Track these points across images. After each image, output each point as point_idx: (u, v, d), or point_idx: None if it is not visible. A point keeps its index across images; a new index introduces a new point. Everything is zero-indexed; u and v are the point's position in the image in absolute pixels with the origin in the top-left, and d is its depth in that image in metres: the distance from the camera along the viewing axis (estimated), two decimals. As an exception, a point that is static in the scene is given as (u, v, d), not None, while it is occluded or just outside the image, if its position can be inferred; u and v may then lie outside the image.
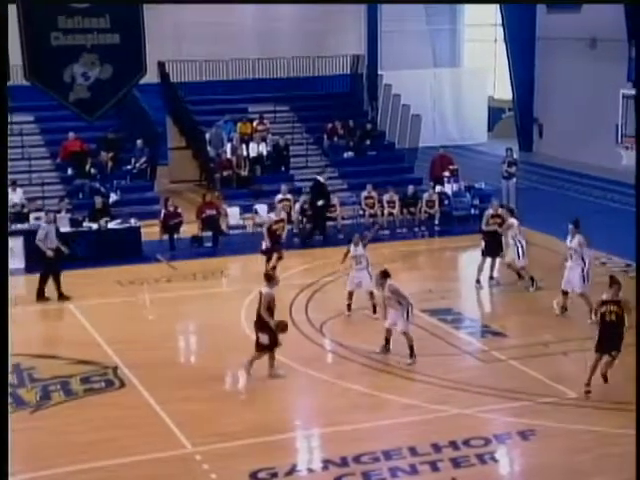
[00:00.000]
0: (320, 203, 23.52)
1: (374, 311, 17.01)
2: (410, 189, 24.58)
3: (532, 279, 18.60)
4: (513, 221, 18.81)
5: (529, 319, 17.30)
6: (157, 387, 14.20)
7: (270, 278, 14.72)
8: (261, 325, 14.39)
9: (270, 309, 14.32)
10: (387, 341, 15.29)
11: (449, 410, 13.42)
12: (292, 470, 11.81)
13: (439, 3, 33.58)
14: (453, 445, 12.29)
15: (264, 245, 19.70)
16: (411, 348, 14.94)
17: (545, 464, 11.94)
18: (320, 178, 24.29)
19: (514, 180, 25.73)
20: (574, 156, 30.40)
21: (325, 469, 11.84)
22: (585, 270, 16.56)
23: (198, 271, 20.57)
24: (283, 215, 20.43)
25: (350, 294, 17.31)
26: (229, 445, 12.39)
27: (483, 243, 19.27)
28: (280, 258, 19.60)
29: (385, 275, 15.14)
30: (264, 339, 14.37)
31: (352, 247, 17.34)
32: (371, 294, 17.08)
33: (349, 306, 17.29)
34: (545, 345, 15.76)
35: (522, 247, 18.49)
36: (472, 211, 24.99)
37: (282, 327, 14.53)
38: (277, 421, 13.22)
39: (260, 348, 14.47)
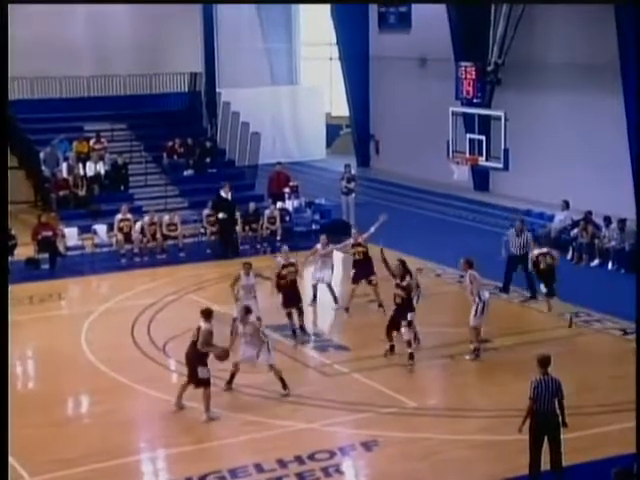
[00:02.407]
0: (221, 216, 23.46)
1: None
2: (251, 206, 24.69)
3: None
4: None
5: (371, 333, 17.60)
6: (-7, 416, 13.69)
7: (208, 314, 14.00)
8: (200, 359, 13.76)
9: (209, 344, 13.77)
10: (233, 376, 14.77)
11: (294, 425, 13.54)
12: (137, 494, 11.68)
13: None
14: (298, 460, 12.41)
15: (281, 300, 17.39)
16: (282, 380, 14.67)
17: (387, 473, 12.24)
18: (222, 192, 24.05)
19: (353, 195, 26.27)
20: (409, 171, 31.27)
21: (171, 491, 11.77)
22: (479, 306, 16.05)
23: (35, 294, 19.99)
24: (293, 259, 17.69)
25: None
26: (69, 472, 12.09)
27: (353, 271, 18.90)
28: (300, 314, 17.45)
29: (248, 311, 14.80)
30: (204, 373, 13.70)
31: (243, 276, 16.97)
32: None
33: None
34: (386, 357, 16.14)
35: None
36: (313, 226, 25.40)
37: (224, 355, 14.09)
38: (120, 444, 13.00)
39: (198, 383, 13.73)
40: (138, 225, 23.21)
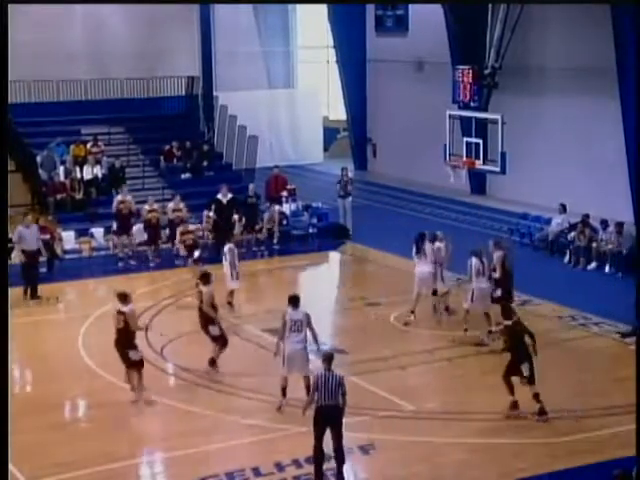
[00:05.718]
0: (211, 215, 23.79)
1: None
2: (250, 187, 24.75)
3: None
4: None
5: (368, 335, 17.63)
6: (-10, 420, 13.66)
7: (207, 277, 15.55)
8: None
9: (214, 306, 15.37)
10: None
11: (291, 429, 13.50)
12: (135, 498, 11.66)
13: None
14: (296, 463, 12.40)
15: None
16: None
17: (384, 477, 12.23)
18: (219, 195, 24.09)
19: (350, 199, 26.25)
20: (406, 174, 31.31)
21: (169, 494, 11.74)
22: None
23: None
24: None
25: None
26: (68, 476, 12.08)
27: None
28: None
29: None
30: (215, 331, 15.33)
31: None
32: None
33: None
34: (384, 360, 16.11)
35: None
36: (310, 230, 25.43)
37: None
38: (119, 448, 12.97)
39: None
40: (136, 228, 23.20)
